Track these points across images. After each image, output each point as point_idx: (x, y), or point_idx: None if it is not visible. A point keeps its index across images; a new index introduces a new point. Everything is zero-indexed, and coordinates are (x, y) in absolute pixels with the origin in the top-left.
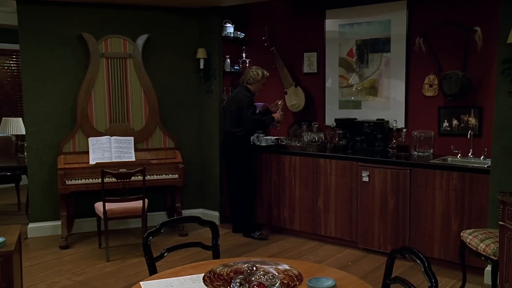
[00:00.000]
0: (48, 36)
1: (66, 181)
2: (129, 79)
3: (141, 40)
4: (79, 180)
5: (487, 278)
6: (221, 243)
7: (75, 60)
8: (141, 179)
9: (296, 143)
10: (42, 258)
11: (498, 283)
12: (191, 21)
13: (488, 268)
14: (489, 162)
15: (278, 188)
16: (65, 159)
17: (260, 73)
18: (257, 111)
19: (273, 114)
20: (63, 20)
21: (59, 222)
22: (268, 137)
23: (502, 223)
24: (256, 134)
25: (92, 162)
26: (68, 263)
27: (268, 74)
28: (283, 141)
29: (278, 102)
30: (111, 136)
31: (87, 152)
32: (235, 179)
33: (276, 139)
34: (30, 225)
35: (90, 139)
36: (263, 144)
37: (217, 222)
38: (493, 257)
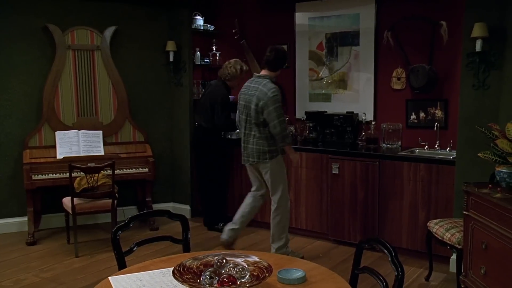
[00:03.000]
0: (12, 27)
1: (33, 176)
2: (97, 72)
3: (109, 32)
4: (46, 175)
5: (452, 266)
6: (192, 237)
7: (40, 52)
8: (110, 173)
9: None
10: (8, 255)
11: (462, 271)
12: (160, 13)
13: (454, 256)
14: (455, 153)
15: (249, 181)
16: (31, 153)
17: (238, 68)
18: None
19: None
20: (27, 11)
21: (25, 218)
22: (238, 130)
23: (467, 213)
24: None
25: (59, 156)
26: (35, 260)
27: (247, 68)
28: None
29: None
30: (79, 130)
31: (54, 146)
32: (206, 172)
33: None
34: None
35: (57, 133)
36: (234, 137)
37: (188, 216)
38: (457, 245)
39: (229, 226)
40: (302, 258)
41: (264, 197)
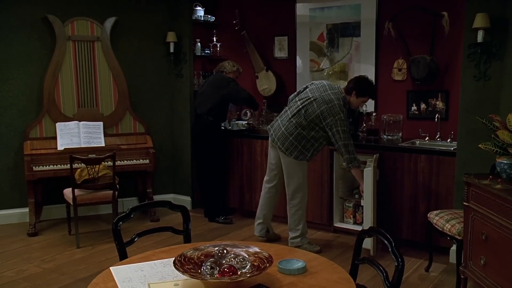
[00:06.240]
0: (11, 18)
1: (33, 167)
2: (97, 63)
3: (109, 23)
4: (47, 166)
5: (452, 257)
6: (193, 228)
7: (40, 42)
8: (111, 164)
9: (268, 127)
10: (9, 246)
11: (462, 262)
12: (160, 3)
13: (453, 247)
14: (455, 145)
15: (250, 172)
16: (31, 144)
17: (236, 65)
18: None
19: None
20: (27, 1)
21: (26, 209)
22: (239, 121)
23: (467, 204)
24: (227, 119)
25: (60, 147)
26: (36, 251)
27: (242, 70)
28: (255, 125)
29: None
30: (80, 121)
31: (55, 138)
32: (205, 163)
33: (247, 123)
34: None
35: (57, 124)
36: (235, 128)
37: (189, 207)
38: (457, 236)
39: (255, 222)
40: (319, 251)
41: (277, 187)
